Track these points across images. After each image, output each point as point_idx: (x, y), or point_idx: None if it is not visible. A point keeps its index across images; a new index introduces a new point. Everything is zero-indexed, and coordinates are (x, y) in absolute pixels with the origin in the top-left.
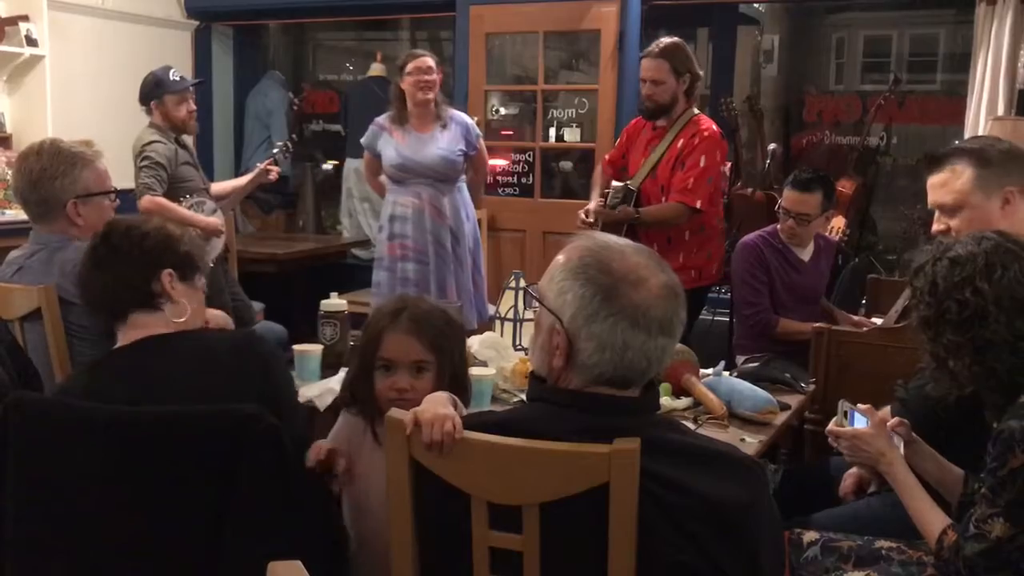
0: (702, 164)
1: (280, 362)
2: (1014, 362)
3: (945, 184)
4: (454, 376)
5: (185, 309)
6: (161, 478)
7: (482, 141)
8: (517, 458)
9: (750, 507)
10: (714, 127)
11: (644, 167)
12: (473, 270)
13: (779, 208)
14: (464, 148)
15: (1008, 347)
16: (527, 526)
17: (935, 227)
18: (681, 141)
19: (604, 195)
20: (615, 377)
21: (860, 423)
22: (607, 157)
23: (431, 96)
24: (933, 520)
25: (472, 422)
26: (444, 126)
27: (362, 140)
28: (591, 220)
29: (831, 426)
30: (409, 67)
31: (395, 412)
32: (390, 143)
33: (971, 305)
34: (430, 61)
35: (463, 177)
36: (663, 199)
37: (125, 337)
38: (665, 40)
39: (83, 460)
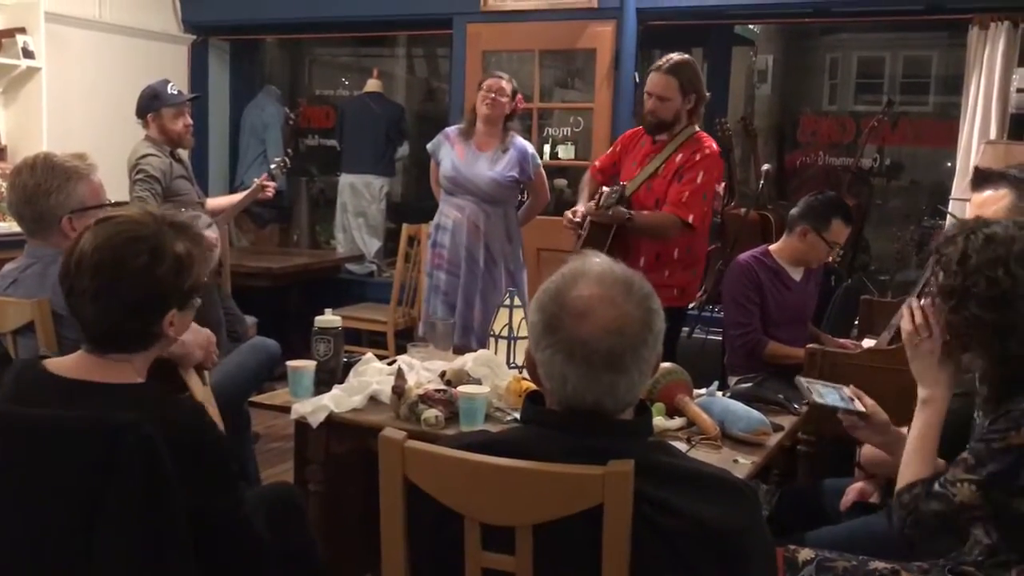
0: (699, 180)
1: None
2: None
3: (983, 204)
4: None
5: (172, 342)
6: (36, 481)
7: (542, 170)
8: (511, 479)
9: (743, 530)
10: (715, 146)
11: (639, 176)
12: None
13: (819, 238)
14: (517, 175)
15: None
16: (520, 547)
17: None
18: (681, 155)
19: (597, 197)
20: (572, 407)
21: (831, 395)
22: (597, 163)
23: (491, 112)
24: (918, 468)
25: (466, 442)
26: (505, 150)
27: (428, 146)
28: (578, 220)
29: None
30: (484, 84)
31: (389, 432)
32: (450, 155)
33: (1002, 285)
34: (504, 84)
35: (513, 201)
36: (656, 210)
37: (77, 366)
38: (676, 56)
39: None
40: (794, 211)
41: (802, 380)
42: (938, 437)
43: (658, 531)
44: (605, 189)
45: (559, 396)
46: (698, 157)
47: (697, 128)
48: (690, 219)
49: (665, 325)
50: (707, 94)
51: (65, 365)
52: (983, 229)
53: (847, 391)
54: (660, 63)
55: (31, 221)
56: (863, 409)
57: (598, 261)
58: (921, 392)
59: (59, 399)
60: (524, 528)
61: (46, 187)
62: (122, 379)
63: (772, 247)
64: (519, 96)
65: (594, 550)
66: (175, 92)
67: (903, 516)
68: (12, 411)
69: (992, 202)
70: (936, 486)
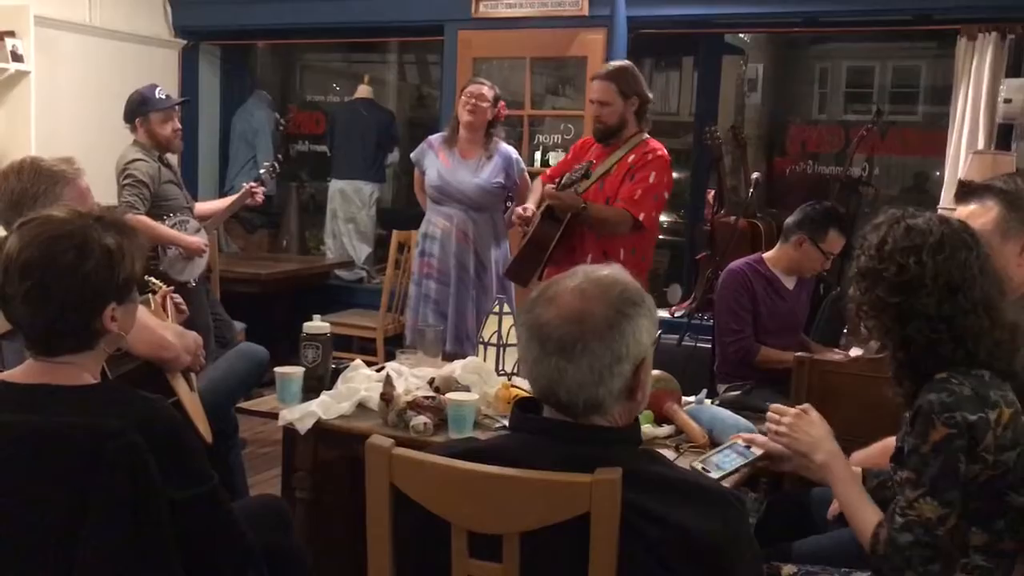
0: (652, 180)
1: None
2: (929, 339)
3: (969, 218)
4: None
5: (118, 338)
6: (16, 486)
7: (526, 175)
8: (498, 486)
9: (730, 541)
10: (665, 152)
11: (592, 176)
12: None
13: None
14: (503, 181)
15: (928, 324)
16: (507, 555)
17: None
18: (632, 156)
19: (556, 181)
20: (537, 393)
21: (728, 459)
22: (547, 171)
23: (472, 119)
24: (868, 516)
25: (454, 450)
26: (489, 157)
27: (412, 155)
28: (528, 215)
29: (770, 413)
30: (465, 90)
31: (376, 439)
32: (435, 163)
33: (910, 272)
34: (485, 91)
35: (500, 207)
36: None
37: (27, 373)
38: (615, 63)
39: None
40: (790, 220)
41: (697, 464)
42: (855, 477)
43: (645, 540)
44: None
45: (524, 375)
46: (650, 157)
47: (647, 135)
48: (640, 217)
49: (649, 337)
50: (650, 95)
51: (15, 374)
52: (907, 220)
53: (740, 442)
54: (599, 71)
55: None
56: (760, 452)
57: (610, 269)
58: (817, 460)
59: (16, 405)
60: (511, 536)
61: (33, 191)
62: (74, 381)
63: (766, 255)
64: (501, 103)
65: (581, 558)
66: (163, 96)
67: (892, 565)
68: None
69: (979, 215)
70: (898, 518)
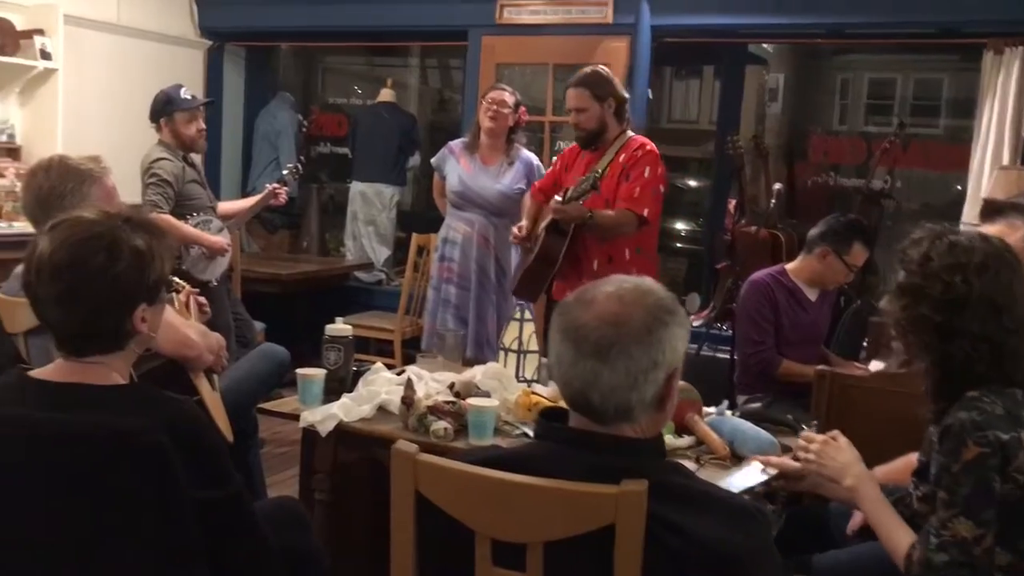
0: (647, 175)
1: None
2: (969, 356)
3: (996, 236)
4: None
5: (148, 339)
6: (40, 484)
7: None
8: (524, 495)
9: (752, 552)
10: (652, 145)
11: (599, 187)
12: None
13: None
14: (524, 187)
15: (970, 342)
16: (530, 564)
17: None
18: (623, 156)
19: (563, 192)
20: (567, 397)
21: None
22: (536, 185)
23: (494, 125)
24: (901, 537)
25: (479, 457)
26: (511, 163)
27: (432, 160)
28: (523, 235)
29: (800, 441)
30: (486, 96)
31: (402, 444)
32: (456, 169)
33: (956, 291)
34: (506, 96)
35: (520, 212)
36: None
37: (58, 372)
38: (585, 69)
39: None
40: (814, 231)
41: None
42: (885, 499)
43: (669, 552)
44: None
45: (555, 378)
46: (640, 154)
47: (631, 133)
48: (645, 213)
49: (683, 347)
50: (624, 94)
51: (46, 372)
52: (949, 237)
53: (757, 465)
54: (571, 79)
55: (45, 223)
56: (774, 472)
57: (643, 279)
58: (846, 485)
59: (45, 403)
60: (535, 545)
61: (60, 190)
62: (104, 381)
63: (789, 266)
64: (522, 108)
65: (604, 569)
66: (188, 97)
67: None
68: (16, 414)
69: (1006, 234)
70: (933, 539)
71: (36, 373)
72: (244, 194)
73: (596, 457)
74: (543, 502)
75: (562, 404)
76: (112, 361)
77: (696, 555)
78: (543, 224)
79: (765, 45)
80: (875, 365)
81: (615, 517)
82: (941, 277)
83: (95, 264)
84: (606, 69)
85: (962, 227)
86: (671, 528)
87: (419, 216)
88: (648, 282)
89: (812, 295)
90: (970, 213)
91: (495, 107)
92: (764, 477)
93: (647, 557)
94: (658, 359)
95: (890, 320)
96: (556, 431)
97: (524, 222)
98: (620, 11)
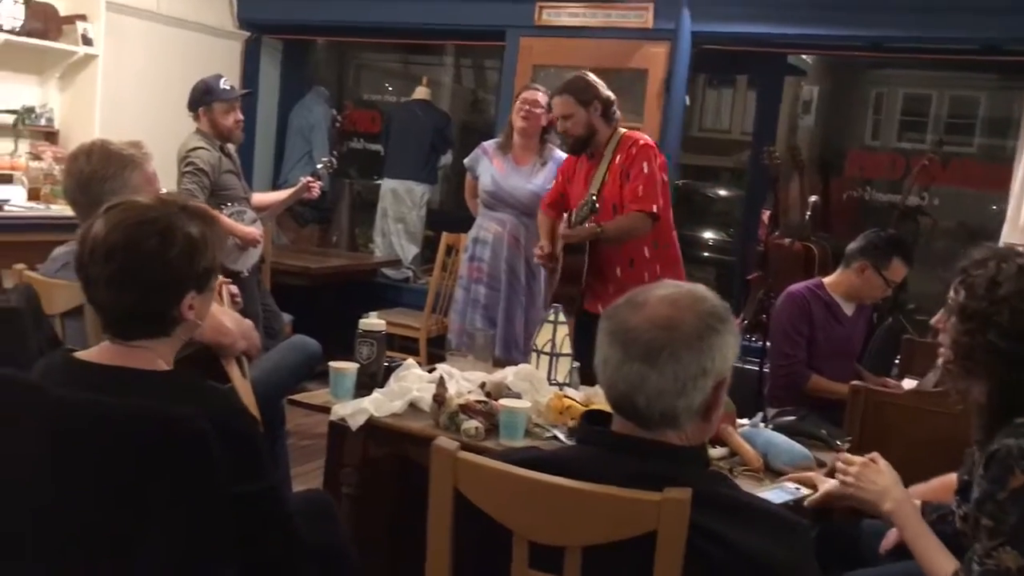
0: (646, 170)
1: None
2: None
3: None
4: None
5: (194, 327)
6: (83, 465)
7: None
8: (565, 499)
9: (793, 567)
10: (647, 138)
11: (591, 192)
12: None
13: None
14: None
15: None
16: (568, 568)
17: None
18: (619, 157)
19: (566, 217)
20: (612, 400)
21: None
22: (545, 201)
23: (527, 125)
24: (942, 564)
25: (519, 458)
26: (543, 163)
27: (465, 161)
28: (546, 254)
29: (839, 463)
30: (520, 96)
31: (443, 441)
32: (489, 169)
33: None
34: (540, 96)
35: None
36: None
37: (103, 354)
38: (569, 76)
39: (24, 436)
40: (853, 245)
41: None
42: (925, 524)
43: (709, 562)
44: (573, 210)
45: (601, 381)
46: (635, 151)
47: (623, 130)
48: (654, 209)
49: (733, 356)
50: (609, 95)
51: (91, 354)
52: (1016, 258)
53: (790, 484)
54: (554, 89)
55: (85, 207)
56: (807, 493)
57: (697, 285)
58: (885, 508)
59: (88, 385)
60: (574, 549)
61: (101, 174)
62: (149, 366)
63: (826, 280)
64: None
65: None
66: (227, 87)
67: None
68: (62, 394)
69: None
70: (976, 567)
71: (82, 355)
72: (275, 187)
73: (639, 463)
74: (584, 506)
75: (596, 406)
76: (158, 347)
77: (739, 567)
78: (559, 246)
79: (804, 56)
80: (908, 383)
81: (657, 524)
82: (1011, 303)
83: (148, 248)
84: (590, 74)
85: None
86: (714, 539)
87: (447, 215)
88: (701, 289)
89: (848, 309)
90: (1011, 233)
91: (527, 107)
92: (795, 495)
93: (687, 566)
94: (707, 366)
95: (946, 340)
96: (599, 435)
97: (543, 241)
98: (660, 16)
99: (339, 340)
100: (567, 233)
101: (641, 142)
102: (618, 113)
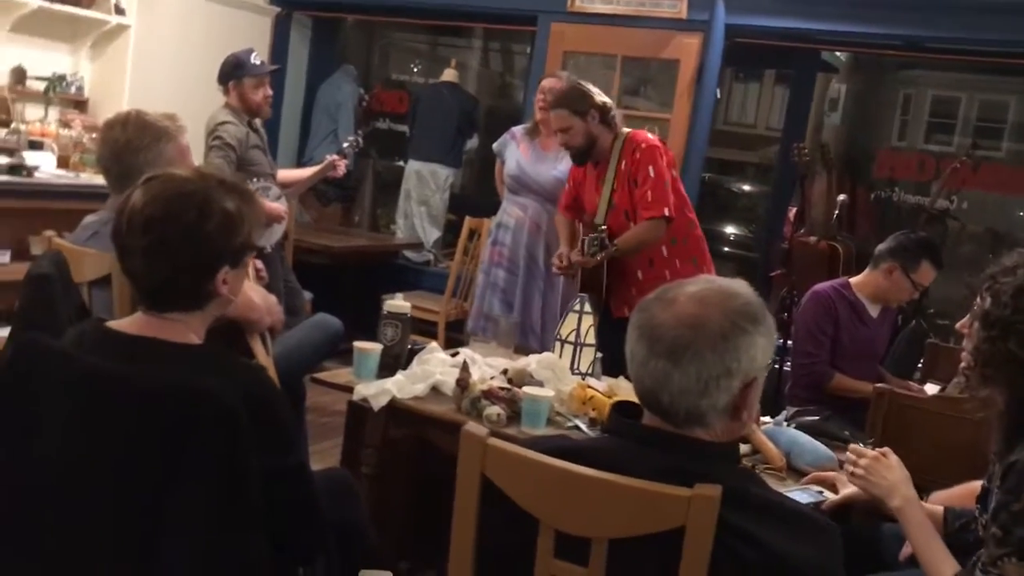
0: (652, 173)
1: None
2: None
3: None
4: None
5: (227, 302)
6: (111, 436)
7: None
8: (594, 490)
9: (824, 570)
10: (649, 137)
11: (601, 204)
12: (568, 293)
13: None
14: None
15: None
16: (594, 559)
17: None
18: (624, 162)
19: (580, 244)
20: (639, 394)
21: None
22: (562, 204)
23: (545, 116)
24: (943, 568)
25: (548, 446)
26: None
27: (494, 146)
28: (566, 264)
29: (849, 455)
30: (540, 85)
31: (472, 426)
32: (515, 154)
33: None
34: (556, 85)
35: None
36: (631, 224)
37: (136, 324)
38: (563, 87)
39: (55, 402)
40: (882, 247)
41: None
42: (930, 523)
43: (739, 561)
44: (584, 239)
45: (630, 374)
46: (638, 156)
47: (627, 131)
48: (665, 212)
49: (764, 357)
50: (606, 101)
51: (124, 324)
52: None
53: (813, 487)
54: (550, 102)
55: (117, 176)
56: (828, 496)
57: (735, 281)
58: (893, 505)
59: (120, 354)
60: (600, 541)
61: (136, 144)
62: (180, 338)
63: (853, 280)
64: None
65: (668, 572)
66: (258, 63)
67: None
68: (94, 363)
69: None
70: (979, 574)
71: (114, 324)
72: (299, 164)
73: (668, 458)
74: (613, 498)
75: (619, 397)
76: (190, 320)
77: (768, 567)
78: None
79: (838, 53)
80: (931, 388)
81: (686, 520)
82: None
83: (186, 220)
84: (582, 83)
85: None
86: (744, 537)
87: (470, 199)
88: (736, 285)
89: (874, 311)
90: None
91: (542, 95)
92: (817, 499)
93: (715, 564)
94: (732, 367)
95: (968, 346)
96: (630, 427)
97: (563, 248)
98: (694, 7)
99: (358, 320)
100: (581, 261)
101: (644, 145)
102: (618, 116)
